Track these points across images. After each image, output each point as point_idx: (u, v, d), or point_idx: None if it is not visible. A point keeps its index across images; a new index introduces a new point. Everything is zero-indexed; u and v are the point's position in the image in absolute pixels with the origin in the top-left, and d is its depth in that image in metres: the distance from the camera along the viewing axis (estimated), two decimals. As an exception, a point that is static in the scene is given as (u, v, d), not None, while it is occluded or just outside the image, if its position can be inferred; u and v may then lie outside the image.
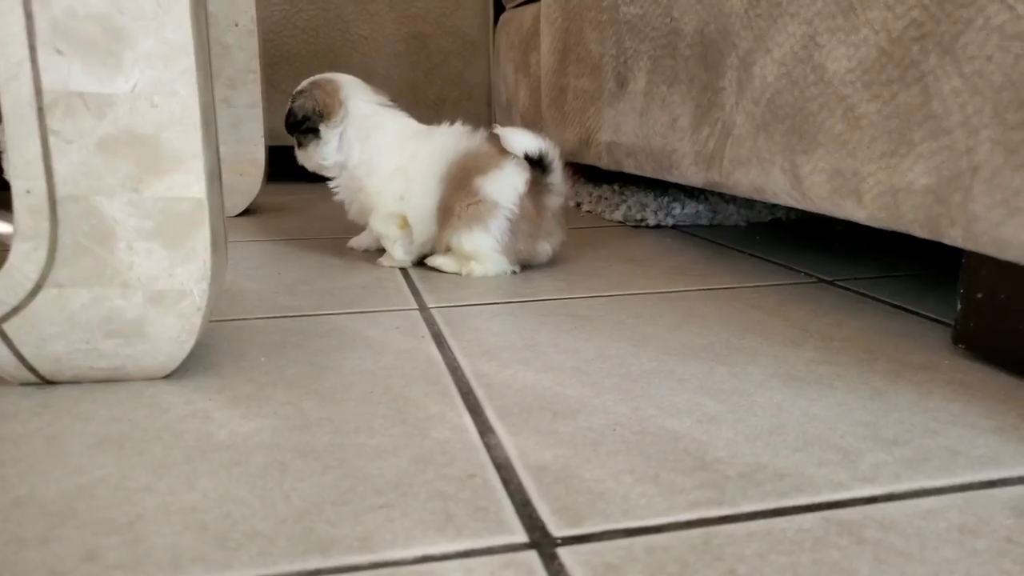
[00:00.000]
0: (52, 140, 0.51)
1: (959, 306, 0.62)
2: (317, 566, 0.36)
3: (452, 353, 0.64)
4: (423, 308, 0.77)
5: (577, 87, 1.32)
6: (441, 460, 0.46)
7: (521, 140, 0.87)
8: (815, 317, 0.73)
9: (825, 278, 0.88)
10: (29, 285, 0.53)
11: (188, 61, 0.51)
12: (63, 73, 0.50)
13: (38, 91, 0.50)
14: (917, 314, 0.74)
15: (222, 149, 1.29)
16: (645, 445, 0.47)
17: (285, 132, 0.95)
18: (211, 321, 0.71)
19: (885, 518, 0.39)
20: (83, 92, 0.51)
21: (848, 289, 0.83)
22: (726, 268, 0.93)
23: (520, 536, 0.38)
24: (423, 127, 0.95)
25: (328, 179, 0.96)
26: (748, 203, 1.28)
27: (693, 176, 0.96)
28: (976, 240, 0.56)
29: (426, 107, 1.88)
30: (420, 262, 0.95)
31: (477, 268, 0.89)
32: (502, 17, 1.86)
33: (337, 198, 0.97)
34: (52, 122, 0.51)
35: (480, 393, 0.55)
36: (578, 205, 1.41)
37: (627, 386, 0.56)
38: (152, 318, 0.54)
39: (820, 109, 0.71)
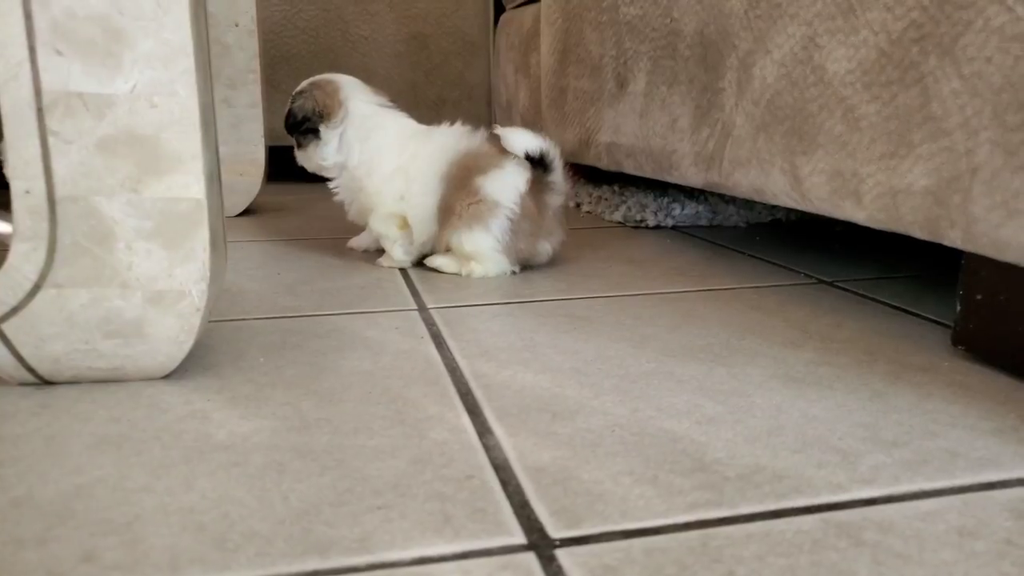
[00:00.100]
0: (51, 140, 0.51)
1: (959, 307, 0.62)
2: (315, 567, 0.36)
3: (451, 354, 0.64)
4: (422, 309, 0.77)
5: (577, 88, 1.32)
6: (439, 461, 0.45)
7: (521, 139, 0.87)
8: (815, 318, 0.73)
9: (825, 279, 0.88)
10: (28, 285, 0.53)
11: (187, 62, 0.51)
12: (62, 73, 0.50)
13: (37, 91, 0.50)
14: (917, 315, 0.74)
15: (222, 149, 1.29)
16: (644, 446, 0.47)
17: (285, 132, 0.95)
18: (210, 321, 0.71)
19: (884, 520, 0.39)
20: (82, 92, 0.51)
21: (848, 290, 0.83)
22: (726, 269, 0.93)
23: (518, 537, 0.38)
24: (423, 127, 0.95)
25: (328, 179, 0.96)
26: (748, 204, 1.28)
27: (693, 177, 0.96)
28: (976, 242, 0.56)
29: (426, 107, 1.88)
30: (420, 262, 0.95)
31: (477, 269, 0.89)
32: (502, 18, 1.86)
33: (337, 199, 0.97)
34: (51, 122, 0.51)
35: (479, 394, 0.55)
36: (578, 206, 1.41)
37: (626, 387, 0.56)
38: (151, 318, 0.54)
39: (820, 110, 0.71)
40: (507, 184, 0.86)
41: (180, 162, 0.53)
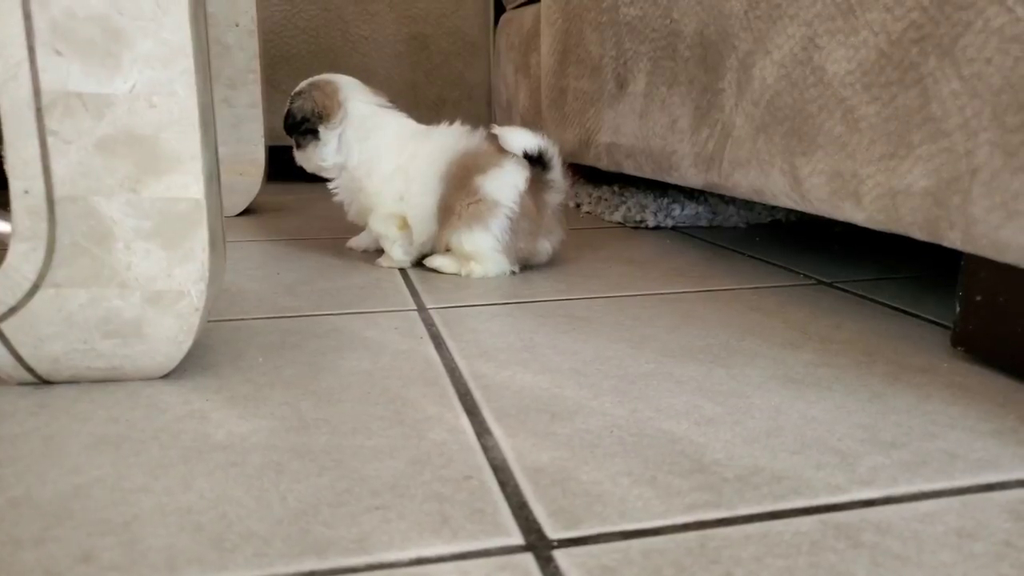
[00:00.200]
0: (51, 140, 0.51)
1: (958, 308, 0.62)
2: (313, 567, 0.36)
3: (450, 354, 0.64)
4: (422, 309, 0.77)
5: (577, 88, 1.32)
6: (438, 461, 0.45)
7: (519, 138, 0.87)
8: (814, 319, 0.73)
9: (824, 280, 0.88)
10: (27, 285, 0.53)
11: (187, 62, 0.51)
12: (62, 74, 0.50)
13: (37, 91, 0.50)
14: (916, 316, 0.74)
15: (222, 149, 1.29)
16: (642, 447, 0.47)
17: (285, 132, 0.95)
18: (209, 321, 0.71)
19: (882, 521, 0.39)
20: (82, 92, 0.51)
21: (847, 291, 0.83)
22: (725, 270, 0.93)
23: (516, 538, 0.38)
24: (422, 127, 0.95)
25: (327, 180, 0.96)
26: (747, 205, 1.27)
27: (692, 177, 0.96)
28: (975, 242, 0.56)
29: (426, 107, 1.88)
30: (419, 262, 0.95)
31: (477, 269, 0.89)
32: (502, 18, 1.86)
33: (336, 199, 0.97)
34: (51, 122, 0.51)
35: (478, 394, 0.55)
36: (578, 206, 1.41)
37: (625, 388, 0.56)
38: (150, 318, 0.54)
39: (819, 111, 0.71)
40: (506, 183, 0.86)
41: (179, 162, 0.53)
